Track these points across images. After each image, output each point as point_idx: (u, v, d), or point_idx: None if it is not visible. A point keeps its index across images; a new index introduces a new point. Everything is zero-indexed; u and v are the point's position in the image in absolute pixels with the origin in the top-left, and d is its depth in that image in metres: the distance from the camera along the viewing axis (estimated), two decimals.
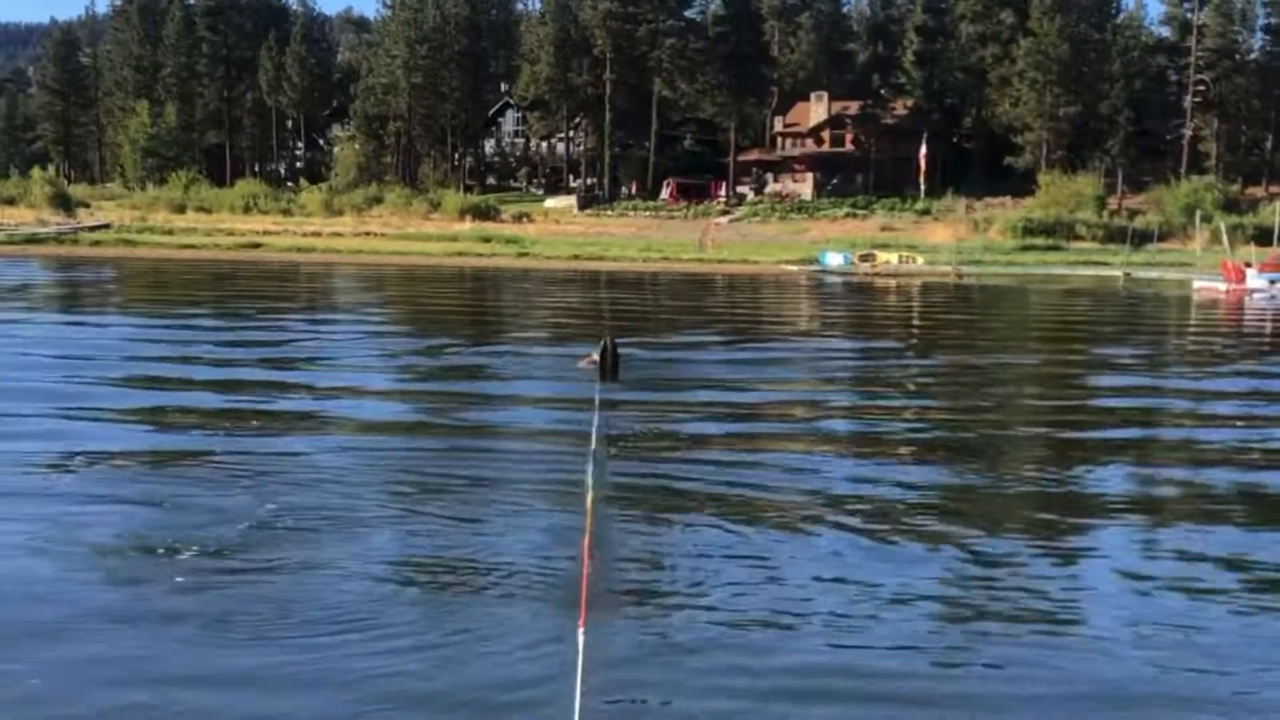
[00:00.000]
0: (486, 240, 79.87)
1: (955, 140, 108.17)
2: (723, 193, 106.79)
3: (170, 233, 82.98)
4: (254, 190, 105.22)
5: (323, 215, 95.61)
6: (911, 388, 23.90)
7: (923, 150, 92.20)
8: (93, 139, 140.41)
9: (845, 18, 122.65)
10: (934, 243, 76.57)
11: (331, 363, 25.87)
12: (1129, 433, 18.67)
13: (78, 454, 14.98)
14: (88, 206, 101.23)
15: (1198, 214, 73.84)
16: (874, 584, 10.48)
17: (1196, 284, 56.76)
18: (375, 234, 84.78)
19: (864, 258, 70.39)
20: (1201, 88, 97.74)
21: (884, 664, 8.76)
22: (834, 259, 70.40)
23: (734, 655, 8.82)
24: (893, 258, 70.86)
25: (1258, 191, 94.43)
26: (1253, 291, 53.85)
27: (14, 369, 22.90)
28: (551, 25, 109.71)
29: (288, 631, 9.07)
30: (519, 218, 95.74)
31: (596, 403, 16.65)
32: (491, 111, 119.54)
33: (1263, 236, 69.66)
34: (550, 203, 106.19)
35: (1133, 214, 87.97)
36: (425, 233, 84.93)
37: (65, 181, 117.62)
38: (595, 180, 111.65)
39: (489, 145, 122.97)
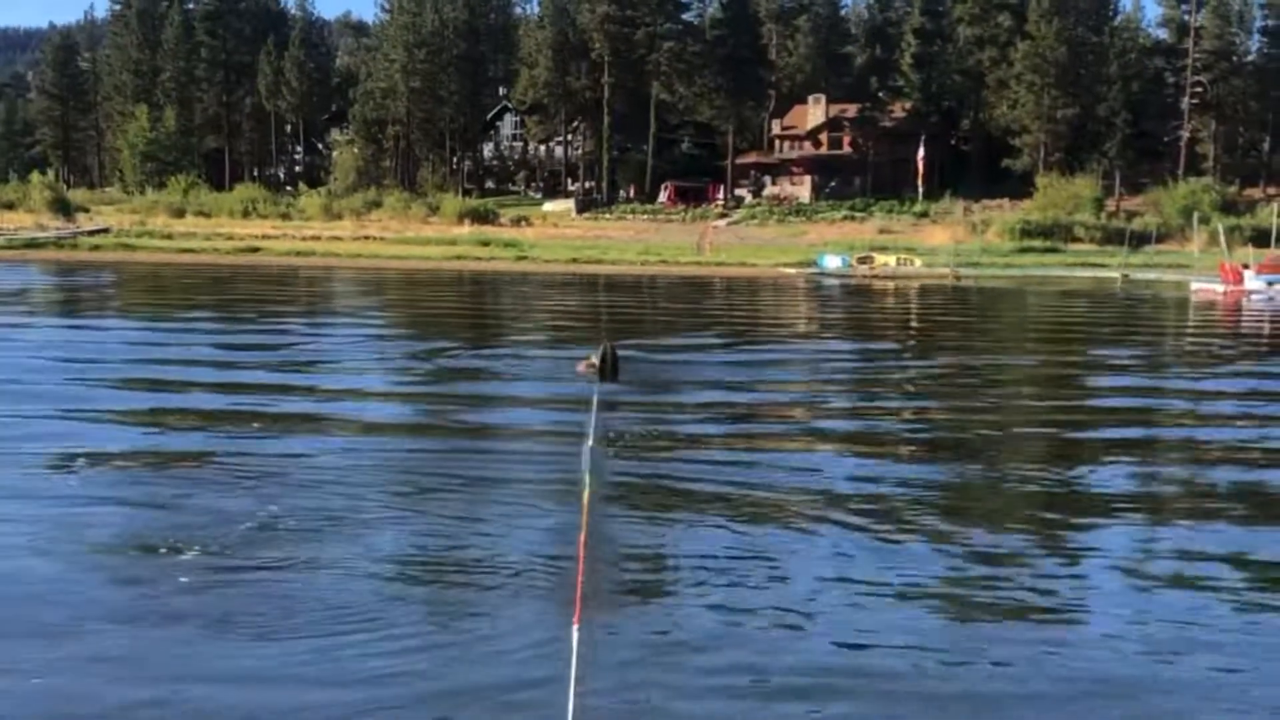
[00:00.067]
0: (485, 244, 80.00)
1: (953, 143, 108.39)
2: (721, 196, 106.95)
3: (169, 237, 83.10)
4: (253, 194, 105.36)
5: (322, 219, 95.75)
6: (911, 389, 23.89)
7: (920, 153, 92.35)
8: (92, 143, 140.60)
9: (843, 20, 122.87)
10: (932, 245, 76.79)
11: (332, 365, 25.84)
12: (1129, 432, 18.68)
13: (80, 455, 14.97)
14: (87, 211, 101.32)
15: (1195, 216, 74.13)
16: (877, 582, 10.51)
17: (1194, 285, 56.88)
18: (374, 238, 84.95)
19: (862, 260, 70.51)
20: (1199, 90, 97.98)
21: (888, 662, 8.77)
22: (832, 261, 70.50)
23: (736, 654, 8.83)
24: (891, 260, 70.99)
25: (1255, 193, 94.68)
26: (1250, 293, 53.96)
27: (15, 371, 22.88)
28: (549, 29, 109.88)
29: (291, 631, 9.07)
30: (517, 221, 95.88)
31: (594, 402, 16.72)
32: (490, 115, 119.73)
33: (1260, 238, 69.89)
34: (548, 206, 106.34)
35: (1130, 216, 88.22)
36: (424, 236, 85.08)
37: (64, 186, 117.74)
38: (593, 184, 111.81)
39: (487, 149, 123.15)
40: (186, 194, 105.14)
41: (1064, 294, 56.10)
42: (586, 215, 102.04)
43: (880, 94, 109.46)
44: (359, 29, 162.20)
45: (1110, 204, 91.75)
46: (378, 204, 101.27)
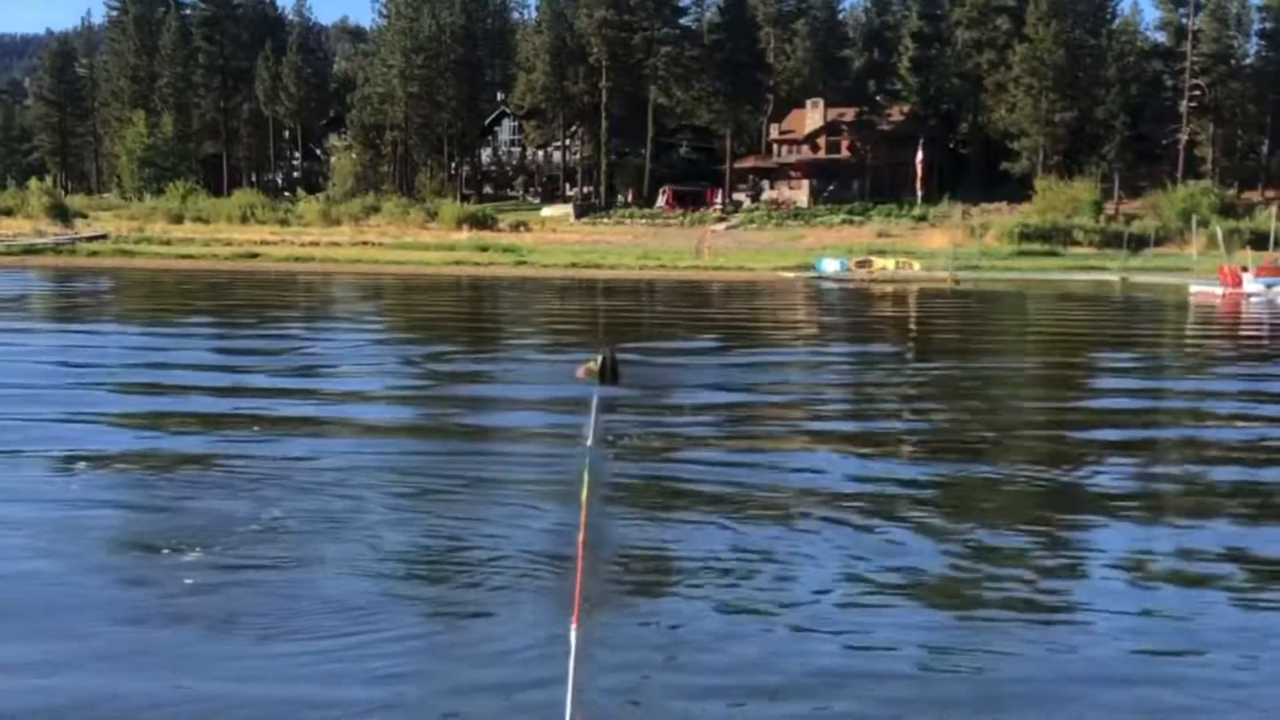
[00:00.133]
0: (484, 249, 79.99)
1: (951, 146, 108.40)
2: (719, 200, 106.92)
3: (168, 243, 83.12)
4: (251, 200, 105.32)
5: (320, 225, 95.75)
6: (910, 391, 23.99)
7: (919, 156, 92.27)
8: (89, 150, 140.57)
9: (841, 24, 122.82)
10: (931, 249, 76.77)
11: (332, 370, 25.96)
12: (1129, 433, 18.72)
13: (82, 459, 15.04)
14: (85, 217, 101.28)
15: (1194, 219, 74.16)
16: (879, 581, 10.55)
17: (1193, 288, 56.92)
18: (373, 243, 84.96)
19: (860, 264, 70.47)
20: (1197, 93, 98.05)
21: (890, 662, 8.79)
22: (830, 265, 70.46)
23: (738, 653, 8.85)
24: (889, 264, 70.95)
25: (1254, 196, 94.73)
26: (1249, 295, 54.04)
27: (17, 376, 22.97)
28: (547, 34, 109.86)
29: (295, 631, 9.12)
30: (516, 226, 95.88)
31: (594, 403, 16.74)
32: (488, 120, 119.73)
33: (1259, 241, 69.94)
34: (547, 211, 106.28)
35: (1129, 219, 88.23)
36: (422, 242, 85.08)
37: (62, 192, 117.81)
38: (592, 188, 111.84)
39: (485, 154, 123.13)
40: (184, 200, 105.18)
41: (1063, 297, 56.11)
42: (585, 220, 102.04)
43: (878, 97, 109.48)
44: (356, 34, 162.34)
45: (1109, 207, 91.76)
46: (376, 209, 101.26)
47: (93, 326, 36.49)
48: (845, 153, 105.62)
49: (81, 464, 14.80)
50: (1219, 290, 55.56)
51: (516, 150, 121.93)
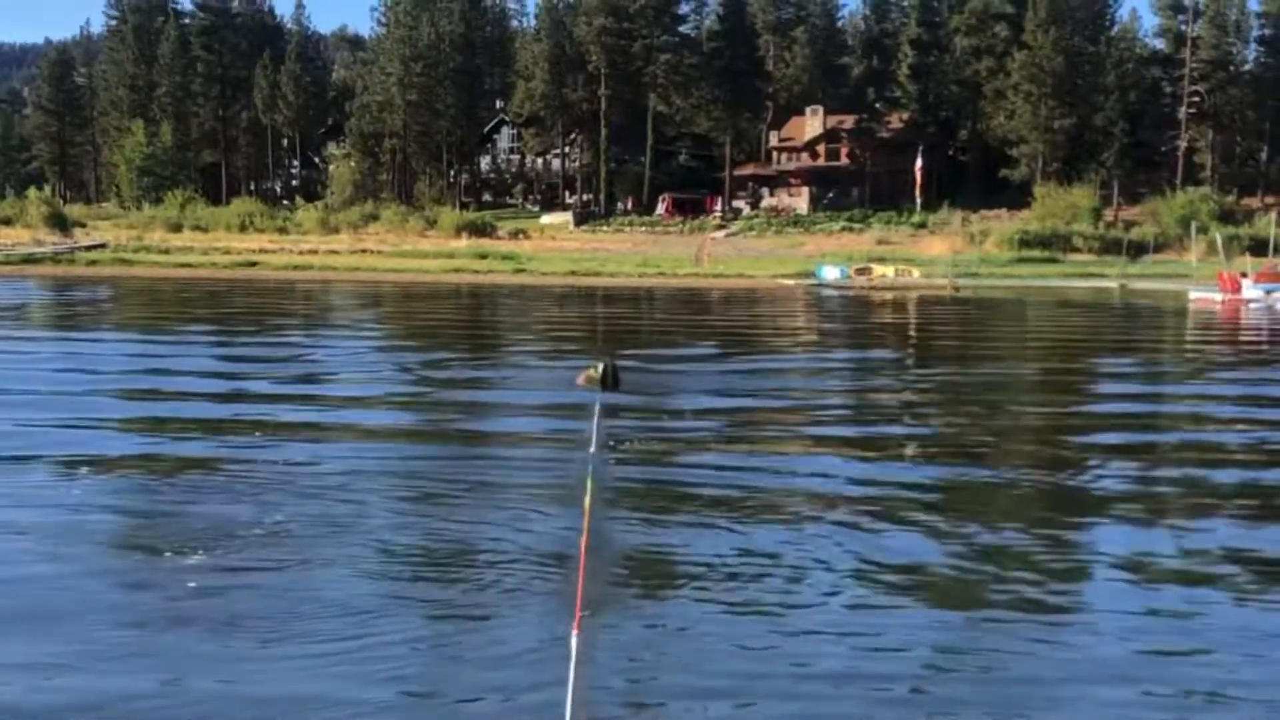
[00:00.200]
0: (483, 257, 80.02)
1: (951, 153, 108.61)
2: (718, 207, 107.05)
3: (167, 252, 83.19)
4: (250, 209, 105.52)
5: (319, 233, 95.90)
6: (912, 396, 24.03)
7: (918, 163, 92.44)
8: (88, 159, 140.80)
9: (840, 32, 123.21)
10: (930, 256, 76.81)
11: (333, 376, 25.98)
12: (1130, 437, 18.76)
13: (85, 464, 15.05)
14: (84, 226, 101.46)
15: (1193, 225, 74.22)
16: (881, 583, 10.57)
17: (1193, 295, 56.91)
18: (372, 251, 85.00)
19: (860, 271, 70.49)
20: (1196, 99, 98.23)
21: (898, 663, 8.80)
22: (830, 273, 70.50)
23: (740, 655, 8.84)
24: (889, 271, 70.98)
25: (1253, 202, 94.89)
26: (1249, 301, 54.08)
27: (19, 383, 23.01)
28: (546, 42, 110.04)
29: (298, 634, 9.13)
30: (515, 234, 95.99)
31: (596, 409, 16.73)
32: (487, 128, 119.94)
33: (1258, 247, 69.97)
34: (546, 219, 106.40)
35: (1129, 225, 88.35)
36: (421, 250, 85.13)
37: (61, 201, 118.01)
38: (591, 196, 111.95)
39: (484, 162, 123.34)
40: (183, 208, 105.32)
41: (1063, 304, 56.14)
42: (584, 228, 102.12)
43: (877, 105, 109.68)
44: (355, 43, 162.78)
45: (1108, 214, 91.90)
46: (375, 217, 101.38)
47: (93, 334, 36.51)
48: (845, 160, 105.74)
49: (84, 469, 14.80)
50: (1218, 296, 55.58)
51: (515, 158, 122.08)
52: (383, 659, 8.64)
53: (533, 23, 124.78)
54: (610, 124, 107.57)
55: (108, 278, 69.29)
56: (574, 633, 7.31)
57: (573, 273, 72.93)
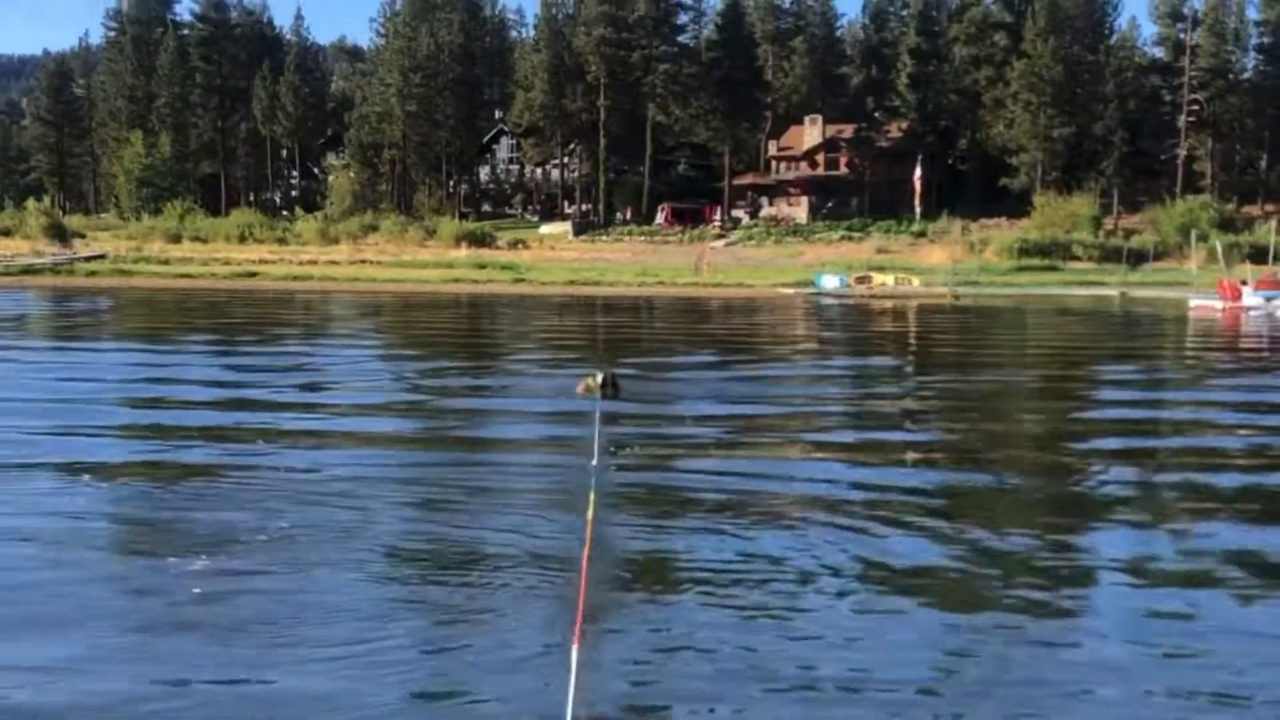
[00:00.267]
0: (482, 267, 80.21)
1: (950, 162, 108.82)
2: (718, 217, 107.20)
3: (166, 262, 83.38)
4: (249, 219, 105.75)
5: (318, 243, 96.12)
6: (912, 403, 24.03)
7: (917, 173, 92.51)
8: (87, 170, 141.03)
9: (839, 41, 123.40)
10: (930, 264, 76.97)
11: (334, 385, 26.03)
12: (1133, 442, 18.82)
13: (88, 471, 15.09)
14: (83, 237, 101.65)
15: (1193, 233, 74.40)
16: (888, 586, 10.60)
17: (1193, 302, 57.03)
18: (371, 262, 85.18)
19: (860, 280, 70.62)
20: (1195, 107, 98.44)
21: (901, 666, 8.81)
22: (830, 281, 70.61)
23: (741, 659, 8.86)
24: (889, 279, 71.11)
25: (1253, 210, 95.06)
26: (1249, 309, 54.16)
27: (21, 391, 23.11)
28: (545, 52, 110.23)
29: (302, 640, 9.16)
30: (514, 244, 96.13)
31: (596, 416, 16.73)
32: (486, 139, 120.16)
33: (1258, 255, 70.10)
34: (545, 229, 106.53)
35: (1129, 234, 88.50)
36: (421, 260, 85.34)
37: (60, 212, 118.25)
38: (590, 206, 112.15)
39: (484, 172, 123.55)
40: (182, 219, 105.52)
41: (1063, 312, 56.28)
42: (583, 237, 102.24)
43: (876, 114, 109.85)
44: (354, 53, 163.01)
45: (1108, 222, 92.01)
46: (374, 228, 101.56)
47: (94, 344, 36.63)
48: (844, 169, 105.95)
49: (87, 476, 14.84)
50: (1219, 304, 55.69)
51: (515, 168, 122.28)
52: (389, 663, 8.66)
53: (532, 33, 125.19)
54: (609, 134, 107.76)
55: (107, 288, 69.46)
56: (574, 648, 7.34)
57: (572, 282, 73.06)
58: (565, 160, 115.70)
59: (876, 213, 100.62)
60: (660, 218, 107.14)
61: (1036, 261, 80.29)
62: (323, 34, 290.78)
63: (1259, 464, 16.95)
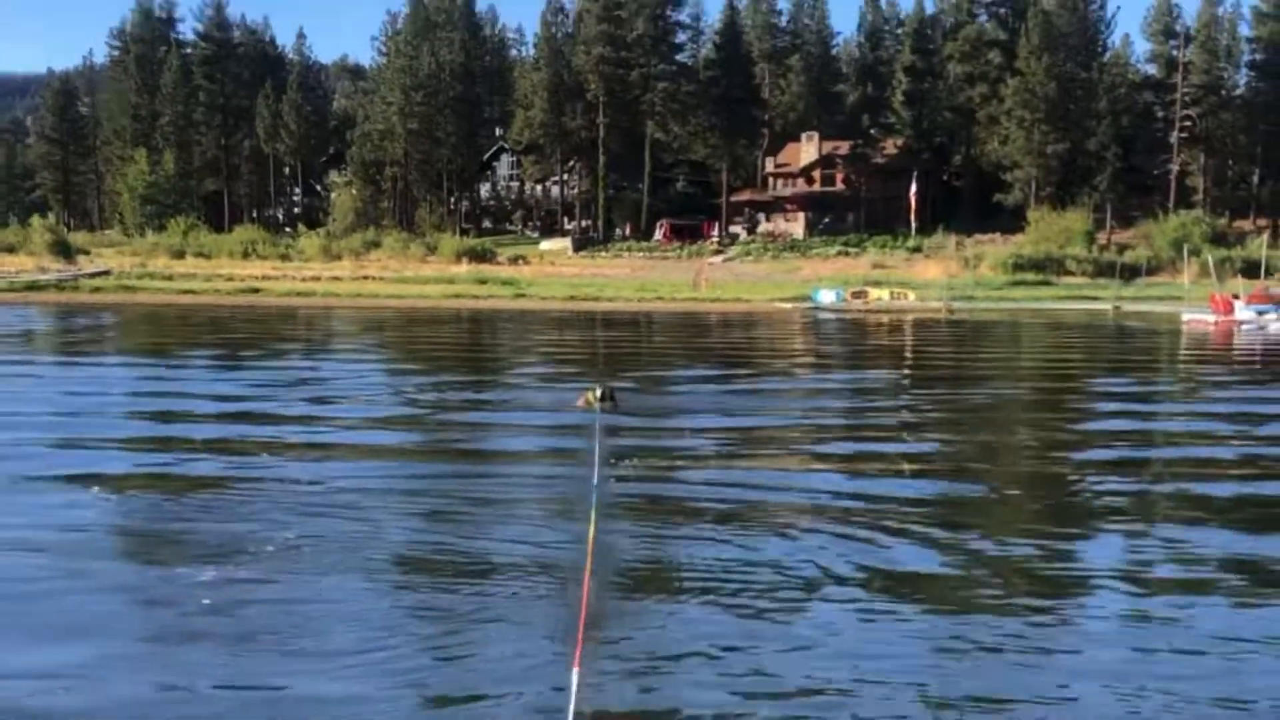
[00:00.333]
0: (483, 282, 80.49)
1: (945, 178, 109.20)
2: (716, 233, 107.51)
3: (170, 278, 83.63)
4: (252, 236, 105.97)
5: (321, 260, 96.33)
6: (909, 416, 24.23)
7: (913, 189, 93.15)
8: (91, 187, 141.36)
9: (834, 59, 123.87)
10: (926, 279, 77.34)
11: (338, 398, 26.13)
12: (1127, 452, 19.07)
13: (98, 484, 15.33)
14: (87, 254, 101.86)
15: (1186, 248, 74.66)
16: (886, 592, 10.85)
17: (1185, 316, 57.30)
18: (373, 278, 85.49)
19: (856, 295, 71.05)
20: (1188, 123, 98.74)
21: (900, 670, 9.02)
22: (826, 296, 71.05)
23: (742, 665, 9.06)
24: (885, 294, 71.58)
25: (1245, 225, 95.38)
26: (1241, 323, 54.48)
27: (32, 405, 23.35)
28: (545, 70, 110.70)
29: (310, 649, 9.35)
30: (515, 260, 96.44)
31: (596, 428, 16.96)
32: (486, 156, 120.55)
33: (1251, 269, 70.53)
34: (545, 245, 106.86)
35: (1122, 249, 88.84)
36: (423, 276, 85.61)
37: (65, 229, 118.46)
38: (590, 222, 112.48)
39: (484, 189, 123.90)
40: (186, 236, 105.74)
41: (1057, 326, 56.41)
42: (583, 253, 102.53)
43: (872, 131, 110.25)
44: (356, 72, 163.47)
45: (1101, 237, 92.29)
46: (376, 244, 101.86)
47: (100, 360, 36.79)
48: (840, 185, 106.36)
49: (96, 488, 15.06)
50: (1211, 318, 55.99)
51: (515, 185, 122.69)
52: (398, 671, 8.84)
53: (532, 52, 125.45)
54: (608, 151, 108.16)
55: (112, 304, 69.57)
56: (574, 670, 7.48)
57: (572, 298, 73.38)
58: (565, 177, 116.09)
59: (872, 228, 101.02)
60: (659, 234, 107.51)
61: (1031, 276, 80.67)
62: (325, 53, 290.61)
63: (1252, 474, 17.17)
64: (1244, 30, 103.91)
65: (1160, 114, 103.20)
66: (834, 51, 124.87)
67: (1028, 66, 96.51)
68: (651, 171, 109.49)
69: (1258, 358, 41.35)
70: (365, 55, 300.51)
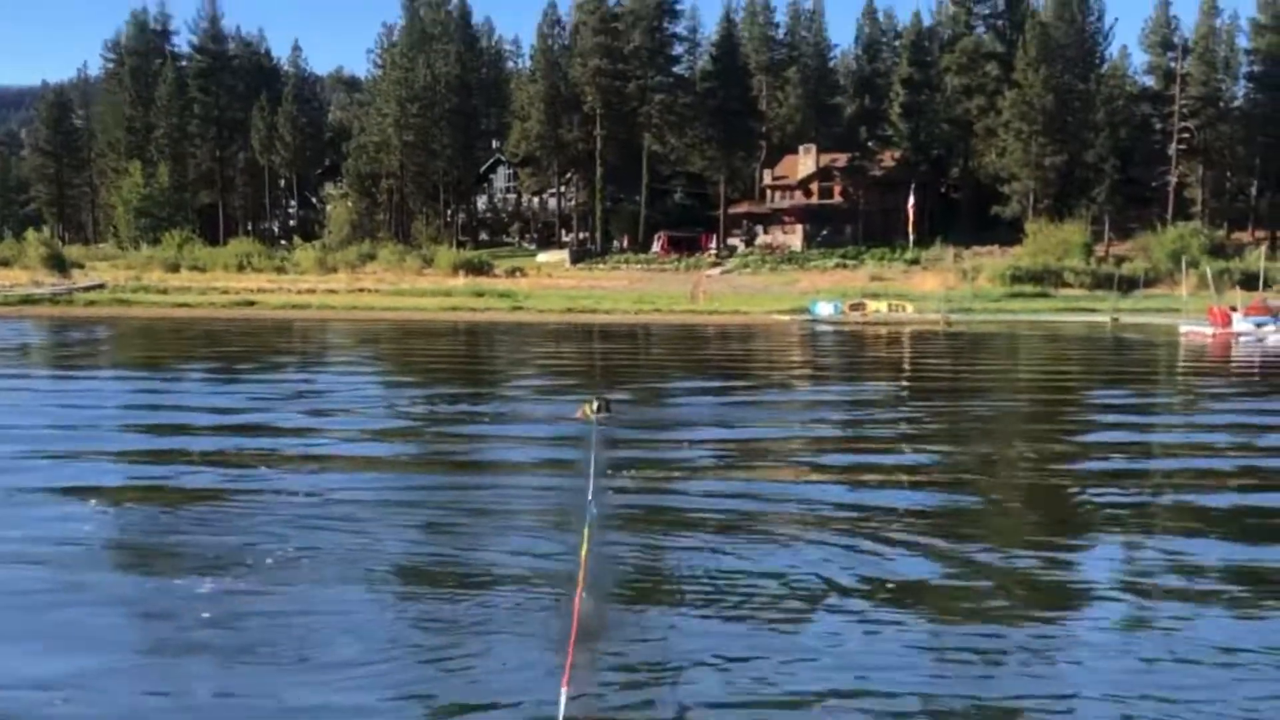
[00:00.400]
0: (480, 295, 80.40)
1: (943, 190, 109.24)
2: (713, 245, 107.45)
3: (165, 292, 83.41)
4: (248, 249, 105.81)
5: (316, 273, 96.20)
6: (908, 427, 24.22)
7: (910, 201, 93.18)
8: (86, 200, 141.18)
9: (832, 72, 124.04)
10: (923, 292, 77.31)
11: (335, 411, 26.08)
12: (1125, 464, 19.03)
13: (97, 496, 15.32)
14: (82, 267, 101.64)
15: (1184, 260, 74.69)
16: (885, 601, 10.83)
17: (1183, 328, 57.25)
18: (369, 290, 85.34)
19: (854, 307, 71.00)
20: (1186, 135, 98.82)
21: (898, 677, 9.01)
22: (824, 308, 71.00)
23: (743, 671, 9.04)
24: (882, 306, 71.54)
25: (1243, 236, 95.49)
26: (1238, 335, 54.42)
27: (29, 419, 23.32)
28: (541, 82, 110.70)
29: (309, 661, 9.35)
30: (512, 272, 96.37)
31: (593, 440, 16.94)
32: (483, 168, 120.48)
33: (1248, 281, 70.54)
34: (543, 257, 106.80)
35: (1120, 260, 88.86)
36: (419, 288, 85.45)
37: (59, 242, 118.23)
38: (587, 234, 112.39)
39: (481, 201, 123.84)
40: (181, 249, 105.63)
41: (1055, 338, 56.48)
42: (580, 266, 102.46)
43: (870, 143, 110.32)
44: (351, 84, 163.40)
45: (1099, 249, 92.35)
46: (372, 256, 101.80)
47: (96, 373, 36.75)
48: (838, 198, 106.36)
49: (94, 501, 15.05)
50: (1209, 330, 55.94)
51: (512, 197, 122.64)
52: (397, 683, 8.84)
53: (528, 64, 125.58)
54: (605, 163, 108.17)
55: (106, 318, 69.45)
56: (563, 690, 7.46)
57: (569, 310, 73.31)
58: (562, 189, 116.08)
59: (870, 240, 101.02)
60: (657, 246, 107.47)
61: (1029, 288, 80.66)
62: (320, 65, 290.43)
63: (1251, 485, 17.22)
64: (1242, 42, 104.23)
65: (1158, 126, 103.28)
66: (831, 64, 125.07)
67: (1025, 78, 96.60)
68: (649, 184, 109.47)
69: (1255, 370, 41.29)
70: (361, 67, 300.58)
